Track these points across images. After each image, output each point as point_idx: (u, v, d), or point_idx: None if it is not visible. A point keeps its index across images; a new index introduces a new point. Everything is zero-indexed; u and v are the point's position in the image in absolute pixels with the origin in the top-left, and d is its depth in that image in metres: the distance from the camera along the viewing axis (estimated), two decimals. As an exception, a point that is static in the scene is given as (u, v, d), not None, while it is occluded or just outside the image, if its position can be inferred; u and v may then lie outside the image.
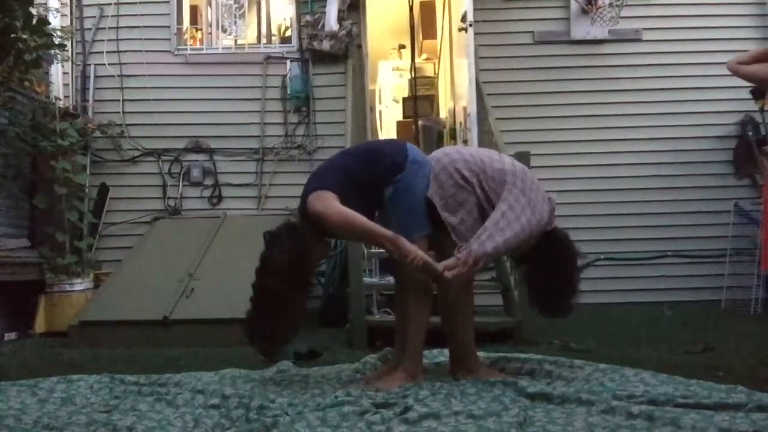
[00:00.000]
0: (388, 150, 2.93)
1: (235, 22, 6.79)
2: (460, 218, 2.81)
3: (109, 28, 6.34)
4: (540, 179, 3.00)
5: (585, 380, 2.83)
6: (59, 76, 6.13)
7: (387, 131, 7.72)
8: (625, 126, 6.25)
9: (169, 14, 6.42)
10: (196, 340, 4.21)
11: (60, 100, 6.03)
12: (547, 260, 2.86)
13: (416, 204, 2.84)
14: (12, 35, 4.45)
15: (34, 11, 4.83)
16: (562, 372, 2.97)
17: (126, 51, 6.32)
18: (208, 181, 6.28)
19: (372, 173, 2.85)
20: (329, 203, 2.74)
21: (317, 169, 3.01)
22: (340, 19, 6.16)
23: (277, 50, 6.43)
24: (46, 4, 5.94)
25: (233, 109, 6.31)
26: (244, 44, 6.58)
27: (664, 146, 6.24)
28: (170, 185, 6.26)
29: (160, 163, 6.28)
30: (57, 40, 5.34)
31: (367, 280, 4.60)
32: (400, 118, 7.59)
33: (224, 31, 6.70)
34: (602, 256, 6.05)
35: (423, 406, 2.39)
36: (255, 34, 6.73)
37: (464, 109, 5.83)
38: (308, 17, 6.31)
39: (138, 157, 6.26)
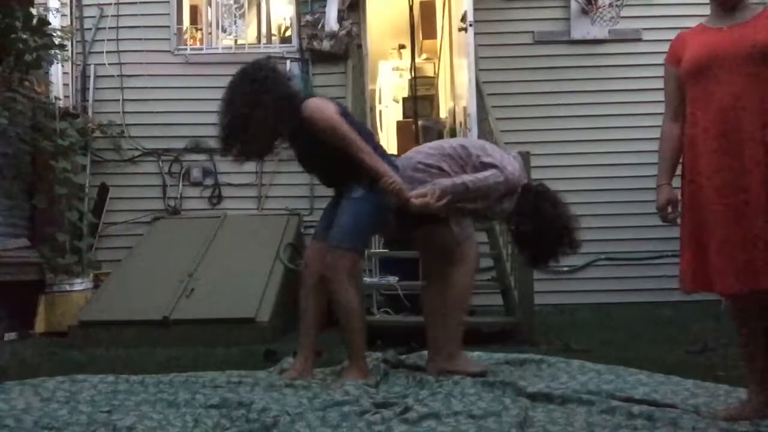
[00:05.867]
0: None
1: (235, 22, 6.78)
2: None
3: (109, 28, 6.34)
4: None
5: (585, 380, 2.83)
6: (59, 76, 6.13)
7: (387, 131, 7.71)
8: (625, 126, 6.23)
9: (169, 14, 6.42)
10: (196, 340, 4.22)
11: (60, 100, 6.02)
12: (531, 212, 2.95)
13: (365, 216, 2.90)
14: (12, 35, 4.46)
15: (34, 11, 4.84)
16: (561, 372, 2.98)
17: (126, 51, 6.32)
18: (208, 181, 6.27)
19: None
20: (327, 107, 2.92)
21: None
22: (340, 19, 6.15)
23: (277, 50, 6.41)
24: (46, 4, 5.94)
25: (233, 109, 6.30)
26: (244, 44, 6.58)
27: (664, 146, 6.23)
28: (170, 185, 6.26)
29: (160, 163, 6.27)
30: (57, 40, 5.34)
31: (367, 280, 4.59)
32: (400, 118, 7.57)
33: (224, 31, 6.70)
34: (602, 256, 6.05)
35: (423, 406, 2.39)
36: (255, 34, 6.72)
37: (464, 109, 5.83)
38: (308, 17, 6.31)
39: (138, 157, 6.26)
